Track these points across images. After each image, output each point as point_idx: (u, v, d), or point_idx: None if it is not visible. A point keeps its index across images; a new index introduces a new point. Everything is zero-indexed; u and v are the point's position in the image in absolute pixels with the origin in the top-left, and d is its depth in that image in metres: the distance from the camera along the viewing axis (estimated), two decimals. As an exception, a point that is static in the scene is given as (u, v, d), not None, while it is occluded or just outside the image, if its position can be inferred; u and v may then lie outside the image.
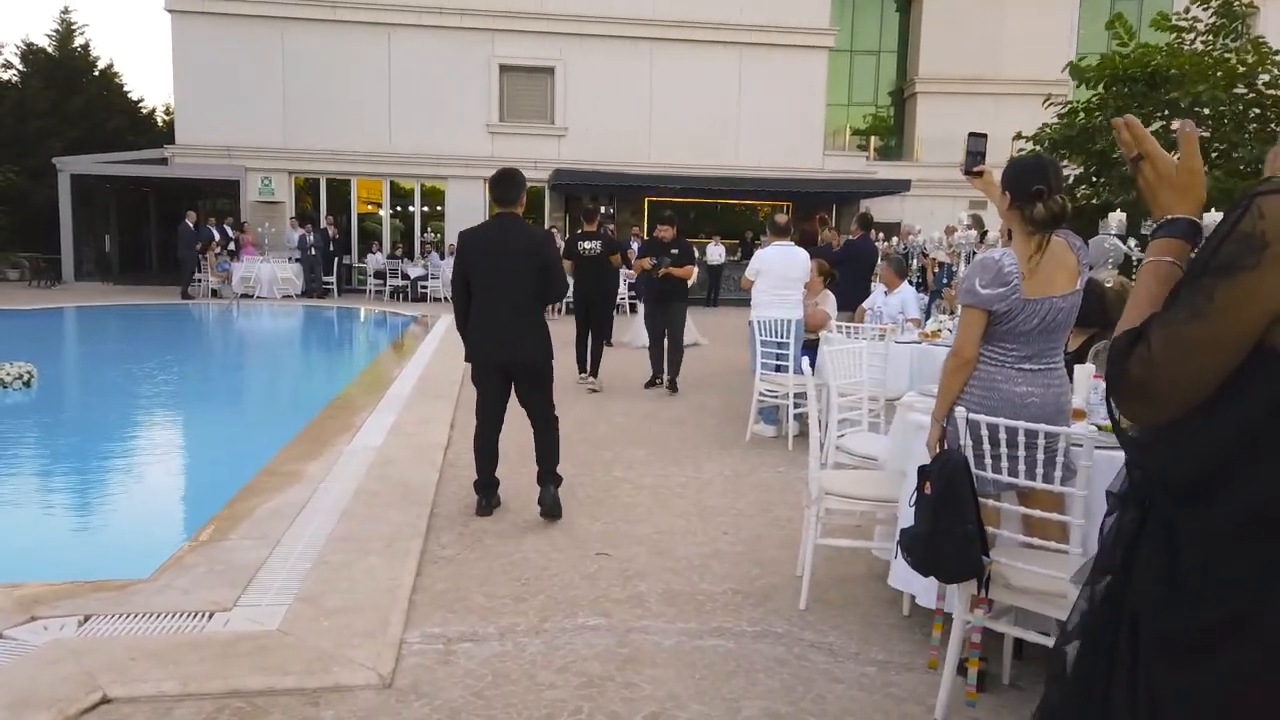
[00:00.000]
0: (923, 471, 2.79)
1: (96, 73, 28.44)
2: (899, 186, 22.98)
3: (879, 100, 30.99)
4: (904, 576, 3.33)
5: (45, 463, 6.69)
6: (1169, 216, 1.41)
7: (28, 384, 8.46)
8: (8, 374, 8.34)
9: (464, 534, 4.61)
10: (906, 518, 2.96)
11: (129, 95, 29.74)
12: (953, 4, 27.90)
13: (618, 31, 22.40)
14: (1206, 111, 8.41)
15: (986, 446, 2.76)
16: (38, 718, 2.69)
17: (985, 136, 3.26)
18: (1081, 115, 9.23)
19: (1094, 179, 9.65)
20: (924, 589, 3.23)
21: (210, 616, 3.44)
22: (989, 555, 2.68)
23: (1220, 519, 1.24)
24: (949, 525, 2.65)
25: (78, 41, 28.30)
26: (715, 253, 21.14)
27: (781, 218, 7.40)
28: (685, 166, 22.39)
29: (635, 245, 19.30)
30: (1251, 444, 1.21)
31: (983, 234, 9.01)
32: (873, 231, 9.83)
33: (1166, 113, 8.49)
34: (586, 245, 9.07)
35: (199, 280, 19.73)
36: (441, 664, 3.17)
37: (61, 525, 5.26)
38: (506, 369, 4.80)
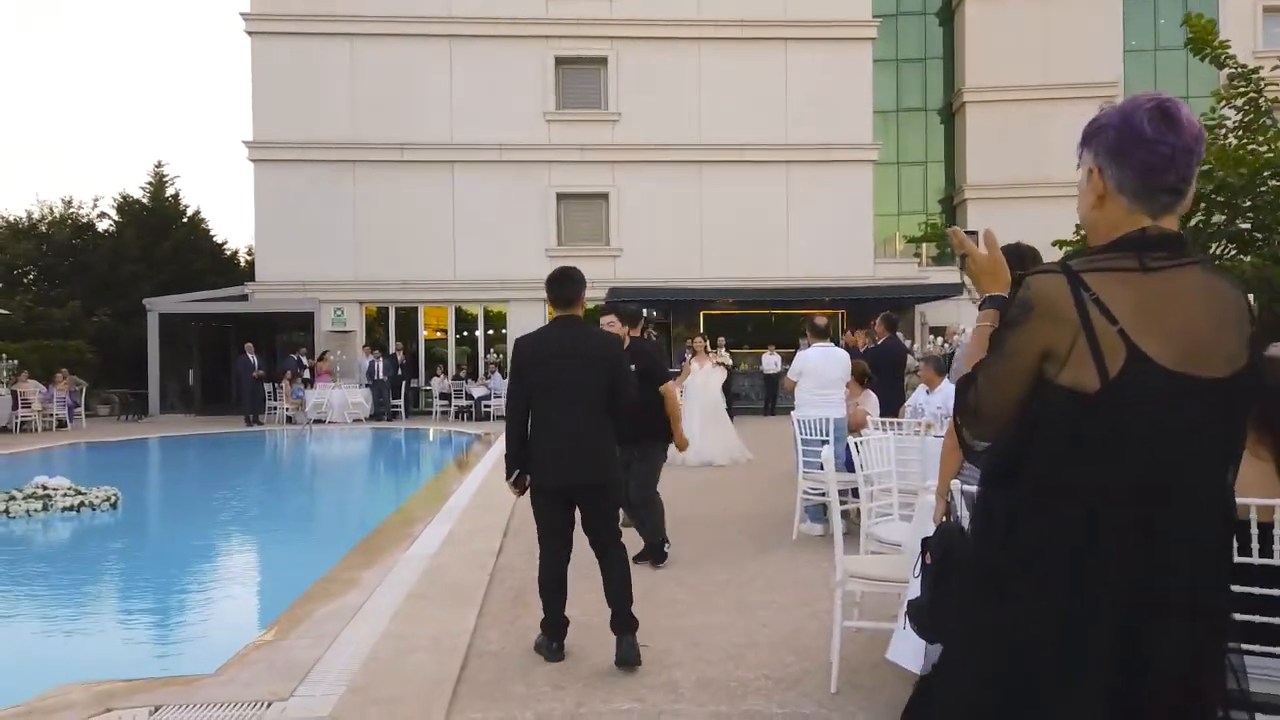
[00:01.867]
0: (924, 542, 2.93)
1: (185, 219, 30.54)
2: (952, 290, 23.07)
3: (929, 208, 31.55)
4: (899, 649, 3.42)
5: (127, 574, 7.14)
6: (988, 294, 1.91)
7: (114, 505, 9.02)
8: (96, 497, 8.92)
9: (509, 631, 4.79)
10: (914, 589, 3.08)
11: (213, 238, 31.77)
12: (996, 113, 28.63)
13: (667, 156, 23.44)
14: (1245, 203, 8.52)
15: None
16: (108, 794, 2.93)
17: (976, 233, 3.50)
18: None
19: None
20: (916, 659, 3.31)
21: (268, 705, 3.67)
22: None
23: (1018, 495, 1.66)
24: (945, 592, 2.77)
25: (169, 191, 30.56)
26: (770, 362, 21.37)
27: (821, 319, 7.68)
28: (738, 279, 22.95)
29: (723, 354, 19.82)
30: (1020, 449, 1.66)
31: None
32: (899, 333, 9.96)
33: (1202, 204, 8.63)
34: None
35: (274, 408, 20.64)
36: (479, 746, 3.33)
37: (138, 629, 5.61)
38: (572, 490, 4.27)
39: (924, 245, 29.59)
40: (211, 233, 31.56)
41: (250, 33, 23.09)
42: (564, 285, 4.39)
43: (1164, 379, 1.54)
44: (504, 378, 21.11)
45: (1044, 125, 27.64)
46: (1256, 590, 2.54)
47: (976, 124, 29.15)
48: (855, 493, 5.25)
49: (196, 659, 4.52)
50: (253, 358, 20.63)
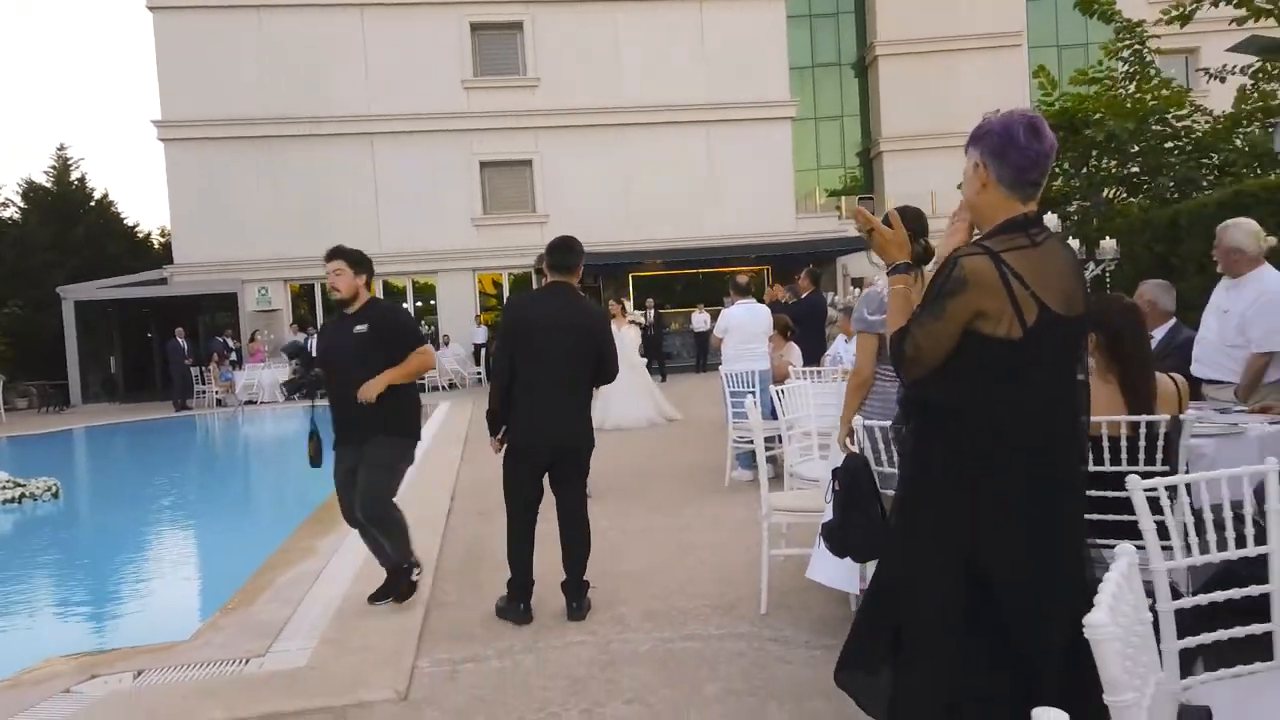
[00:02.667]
0: (834, 472, 3.35)
1: (94, 203, 29.56)
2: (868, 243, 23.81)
3: (847, 161, 32.23)
4: (817, 568, 3.86)
5: (85, 559, 7.25)
6: (896, 262, 2.39)
7: (56, 495, 9.04)
8: (37, 487, 8.92)
9: (464, 585, 5.12)
10: (827, 514, 3.51)
11: (125, 221, 30.83)
12: (907, 65, 29.28)
13: (589, 120, 23.55)
14: (1133, 149, 9.18)
15: (882, 447, 3.33)
16: (110, 746, 3.20)
17: (868, 199, 3.89)
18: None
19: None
20: (840, 577, 3.75)
21: (246, 662, 3.95)
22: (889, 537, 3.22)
23: (954, 426, 2.20)
24: (856, 515, 3.20)
25: (74, 175, 29.49)
26: (700, 320, 21.82)
27: (743, 278, 8.07)
28: (664, 240, 23.31)
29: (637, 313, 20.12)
30: (965, 383, 2.17)
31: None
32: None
33: (1094, 153, 9.27)
34: None
35: (203, 391, 20.39)
36: (449, 680, 3.68)
37: (110, 607, 5.80)
38: (554, 453, 4.38)
39: (844, 199, 30.27)
40: (124, 216, 30.67)
41: (152, 8, 22.37)
42: (567, 253, 4.44)
43: (1058, 322, 2.13)
44: (436, 349, 21.20)
45: (953, 76, 28.45)
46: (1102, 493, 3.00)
47: (889, 77, 29.80)
48: (781, 439, 5.68)
49: (170, 629, 4.76)
50: (183, 342, 20.29)
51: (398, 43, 22.87)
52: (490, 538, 5.82)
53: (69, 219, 27.65)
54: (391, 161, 22.96)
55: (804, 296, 9.63)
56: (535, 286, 22.94)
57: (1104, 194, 10.31)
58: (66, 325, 22.51)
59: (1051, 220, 6.13)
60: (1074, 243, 6.75)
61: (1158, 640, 1.92)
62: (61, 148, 29.54)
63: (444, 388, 20.58)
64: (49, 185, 28.74)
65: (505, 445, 4.42)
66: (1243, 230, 4.39)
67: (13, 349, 24.31)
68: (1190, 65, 25.16)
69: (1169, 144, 9.25)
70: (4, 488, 8.88)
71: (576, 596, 4.43)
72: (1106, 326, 3.29)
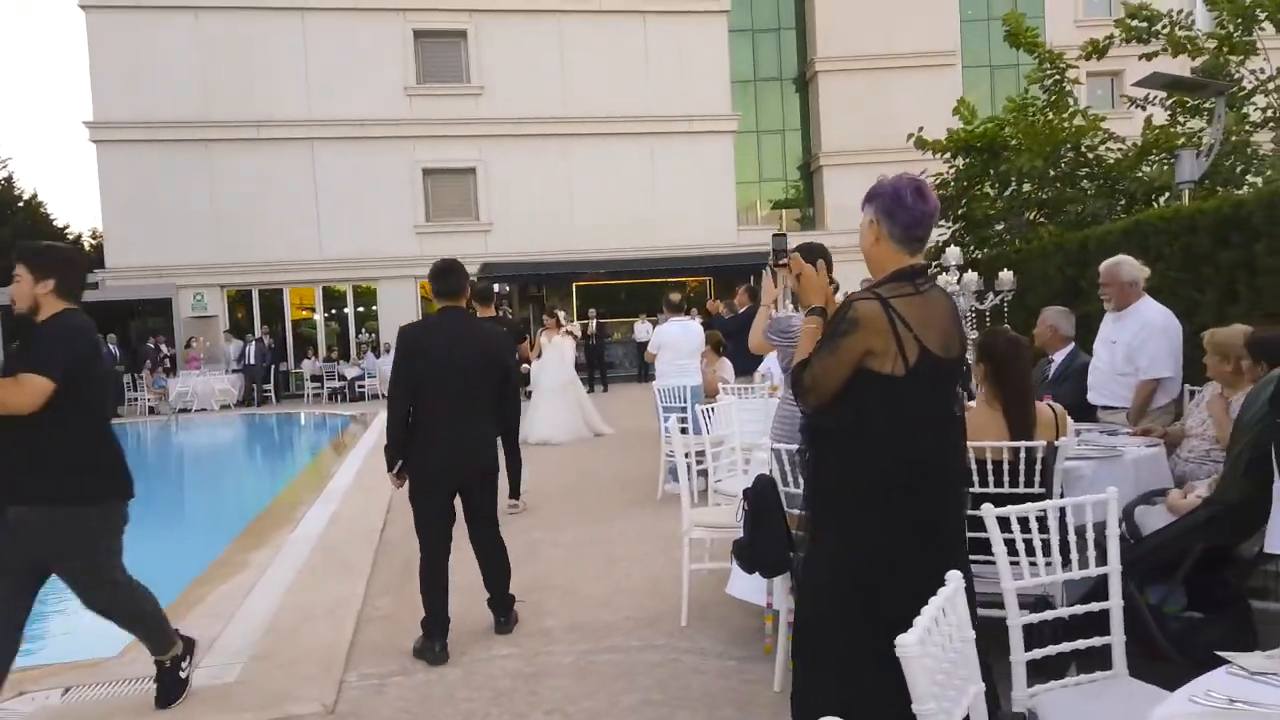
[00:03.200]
0: (744, 493, 3.57)
1: (22, 203, 28.82)
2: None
3: (789, 174, 32.81)
4: (735, 584, 4.08)
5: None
6: (812, 306, 2.72)
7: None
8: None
9: (398, 598, 5.22)
10: (739, 532, 3.71)
11: (55, 223, 30.11)
12: (846, 81, 29.92)
13: (533, 130, 23.65)
14: (1038, 175, 9.66)
15: (789, 469, 3.55)
16: (37, 763, 3.26)
17: (785, 235, 4.12)
18: (941, 186, 10.46)
19: (963, 238, 10.82)
20: (753, 591, 3.97)
21: (176, 678, 4.01)
22: (795, 553, 3.44)
23: (845, 451, 2.47)
24: (763, 533, 3.42)
25: (1, 174, 28.75)
26: (642, 330, 22.02)
27: (676, 296, 8.31)
28: (608, 250, 23.50)
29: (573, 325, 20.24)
30: (854, 413, 2.43)
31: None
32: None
33: (1000, 180, 9.74)
34: None
35: (134, 399, 20.01)
36: (376, 694, 3.80)
37: (39, 622, 5.74)
38: (462, 478, 4.35)
39: (784, 211, 30.82)
40: (53, 217, 29.94)
41: (84, 6, 21.91)
42: (449, 278, 4.40)
43: (936, 363, 2.42)
44: (377, 356, 21.10)
45: (890, 92, 29.13)
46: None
47: (829, 92, 30.41)
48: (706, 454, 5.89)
49: (96, 646, 4.78)
50: (115, 349, 19.90)
51: (339, 48, 22.72)
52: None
53: (-5, 219, 26.96)
54: (333, 167, 22.79)
55: (741, 311, 9.88)
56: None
57: (1025, 216, 10.77)
58: (-10, 330, 21.88)
59: (954, 252, 6.42)
60: (972, 276, 6.98)
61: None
62: (-12, 146, 28.73)
63: (382, 397, 20.47)
64: (-26, 184, 27.99)
65: (408, 479, 4.26)
66: (1133, 265, 4.73)
67: (-67, 353, 23.58)
68: (1116, 88, 26.30)
69: (1082, 170, 9.73)
70: (-75, 500, 8.68)
71: (503, 612, 4.56)
72: (991, 357, 3.56)
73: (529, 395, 11.22)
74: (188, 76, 22.08)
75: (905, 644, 1.41)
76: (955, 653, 1.63)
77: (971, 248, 10.83)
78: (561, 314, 12.32)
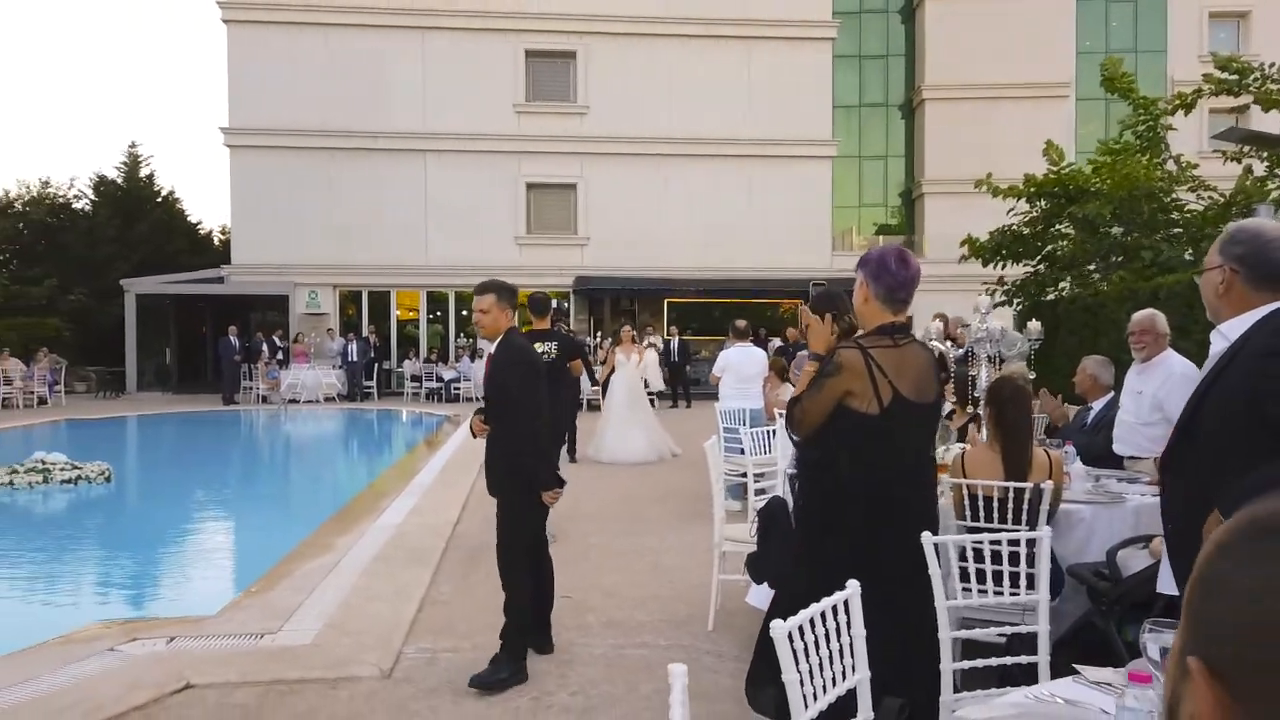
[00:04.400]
0: (758, 512, 3.96)
1: (160, 199, 31.03)
2: (902, 283, 24.21)
3: (889, 200, 32.66)
4: (753, 594, 4.44)
5: (131, 538, 8.09)
6: (812, 350, 3.13)
7: (108, 479, 9.90)
8: (91, 471, 9.79)
9: (459, 586, 5.77)
10: (753, 546, 4.10)
11: (189, 219, 32.29)
12: (953, 110, 29.64)
13: (633, 149, 24.31)
14: (1105, 222, 9.68)
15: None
16: (143, 694, 3.90)
17: (822, 286, 4.50)
18: (1017, 225, 10.56)
19: (1038, 273, 10.88)
20: (766, 600, 4.32)
21: (261, 636, 4.64)
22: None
23: (826, 479, 2.90)
24: (771, 547, 3.80)
25: (143, 171, 31.00)
26: (728, 350, 22.39)
27: (741, 323, 8.68)
28: (701, 269, 23.96)
29: (656, 340, 20.71)
30: (834, 445, 2.82)
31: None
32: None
33: (1065, 223, 9.81)
34: (538, 349, 6.33)
35: (249, 388, 21.45)
36: (427, 665, 4.33)
37: (149, 584, 6.57)
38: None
39: (880, 239, 30.67)
40: (187, 214, 32.09)
41: (226, 20, 23.65)
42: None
43: (908, 406, 2.83)
44: (473, 361, 22.02)
45: (998, 123, 28.72)
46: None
47: (935, 120, 30.19)
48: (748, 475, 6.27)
49: (200, 605, 5.48)
50: (235, 340, 21.39)
51: (455, 65, 23.87)
52: (488, 547, 6.45)
53: (135, 214, 29.09)
54: (442, 178, 23.93)
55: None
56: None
57: (1112, 259, 10.77)
58: (127, 316, 23.76)
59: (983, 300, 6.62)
60: (1036, 325, 7.09)
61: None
62: (132, 145, 31.08)
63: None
64: (119, 180, 30.26)
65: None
66: (1164, 319, 4.92)
67: (75, 335, 25.69)
68: (1242, 124, 25.35)
69: (1161, 217, 9.71)
70: (62, 470, 9.76)
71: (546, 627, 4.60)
72: (995, 401, 3.87)
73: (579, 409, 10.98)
74: (315, 89, 23.55)
75: (776, 627, 1.81)
76: (842, 645, 2.01)
77: (1048, 289, 10.88)
78: (630, 329, 12.16)
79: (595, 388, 11.59)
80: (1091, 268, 11.08)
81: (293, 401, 20.82)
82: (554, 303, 7.96)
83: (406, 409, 20.53)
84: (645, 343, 12.15)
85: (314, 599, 5.33)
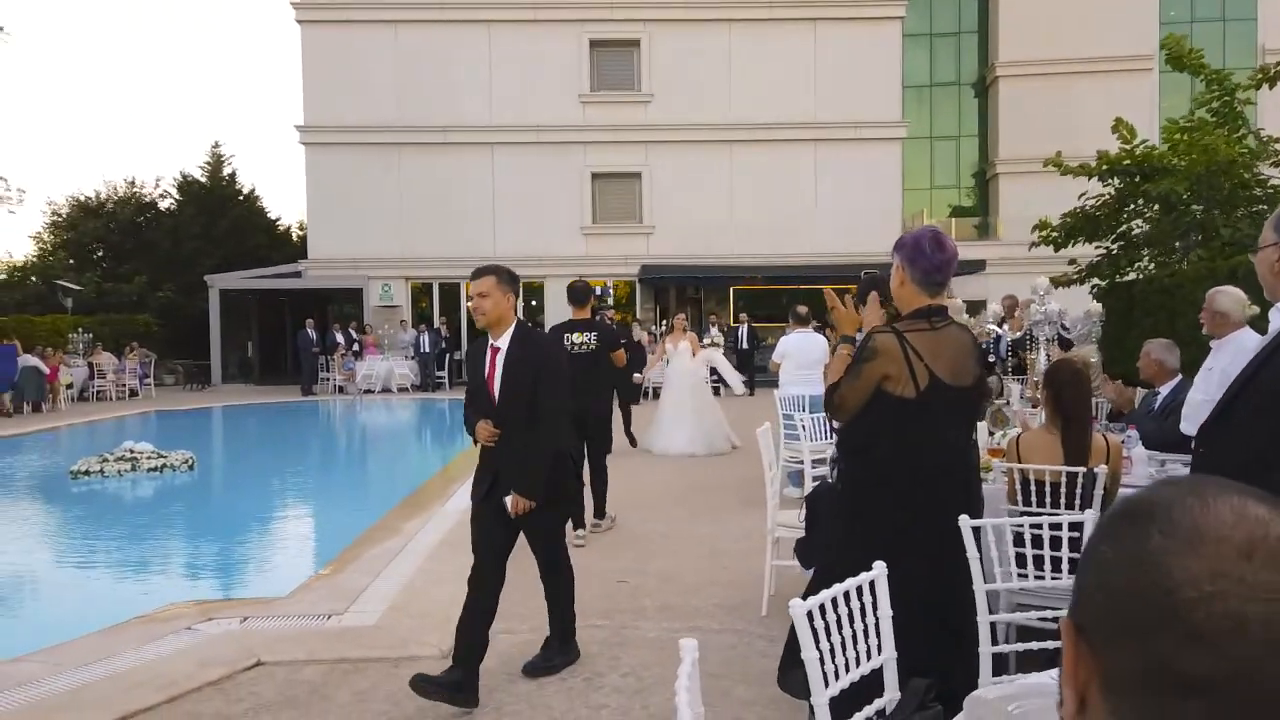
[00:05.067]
0: (805, 499, 3.96)
1: (241, 197, 32.08)
2: (974, 266, 23.68)
3: (962, 181, 31.90)
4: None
5: (210, 523, 8.46)
6: (843, 335, 3.14)
7: (191, 467, 10.33)
8: (176, 459, 10.22)
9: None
10: (800, 531, 4.11)
11: (268, 215, 33.31)
12: (1029, 87, 28.79)
13: (698, 136, 24.23)
14: (1179, 200, 9.31)
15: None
16: (216, 671, 4.09)
17: (872, 273, 4.44)
18: (1091, 206, 10.23)
19: (1110, 253, 10.54)
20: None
21: (329, 617, 4.82)
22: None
23: (864, 461, 2.94)
24: (817, 533, 3.80)
25: (226, 171, 32.08)
26: (796, 336, 22.19)
27: (801, 308, 8.61)
28: (767, 256, 23.79)
29: (714, 332, 20.67)
30: (872, 432, 2.84)
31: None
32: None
33: (1140, 201, 9.44)
34: (576, 339, 6.57)
35: (326, 379, 22.09)
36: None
37: (225, 566, 6.86)
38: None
39: (954, 220, 30.02)
40: (266, 210, 33.07)
41: (300, 21, 24.27)
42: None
43: (946, 389, 2.82)
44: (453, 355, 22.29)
45: (1077, 98, 27.81)
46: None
47: (1009, 98, 29.38)
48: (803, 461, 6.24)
49: (273, 587, 5.71)
50: (312, 333, 22.05)
51: (521, 58, 24.09)
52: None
53: (218, 211, 30.13)
54: (509, 170, 24.21)
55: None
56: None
57: (1192, 238, 10.38)
58: (211, 311, 24.67)
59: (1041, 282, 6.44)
60: (1098, 307, 6.92)
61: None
62: (215, 145, 32.19)
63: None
64: (203, 180, 31.37)
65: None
66: (1230, 297, 4.74)
67: (164, 329, 26.78)
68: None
69: (1242, 194, 9.31)
70: (148, 458, 10.22)
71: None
72: (1052, 385, 3.79)
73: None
74: (385, 85, 24.04)
75: (794, 606, 1.83)
76: (866, 625, 2.02)
77: (1125, 268, 10.54)
78: (683, 318, 11.73)
79: (639, 378, 11.16)
80: (1177, 245, 10.70)
81: (368, 392, 21.36)
82: (595, 290, 7.78)
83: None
84: (706, 341, 11.91)
85: (380, 582, 5.50)
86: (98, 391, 21.07)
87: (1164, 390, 5.32)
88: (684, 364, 10.89)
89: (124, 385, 21.59)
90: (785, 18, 24.41)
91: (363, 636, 4.53)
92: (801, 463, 7.94)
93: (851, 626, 1.97)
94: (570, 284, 6.77)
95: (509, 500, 3.97)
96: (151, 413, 18.08)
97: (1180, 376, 5.30)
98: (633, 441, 11.06)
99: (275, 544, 7.77)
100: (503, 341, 3.98)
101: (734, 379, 12.48)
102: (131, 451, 10.35)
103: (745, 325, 21.01)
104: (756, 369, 21.21)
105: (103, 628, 4.72)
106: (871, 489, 2.89)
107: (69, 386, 19.62)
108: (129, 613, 5.05)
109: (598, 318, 7.64)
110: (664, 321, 22.59)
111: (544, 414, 3.91)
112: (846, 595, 1.98)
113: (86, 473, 9.91)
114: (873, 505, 2.87)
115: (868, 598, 2.05)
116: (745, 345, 20.52)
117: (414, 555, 6.16)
